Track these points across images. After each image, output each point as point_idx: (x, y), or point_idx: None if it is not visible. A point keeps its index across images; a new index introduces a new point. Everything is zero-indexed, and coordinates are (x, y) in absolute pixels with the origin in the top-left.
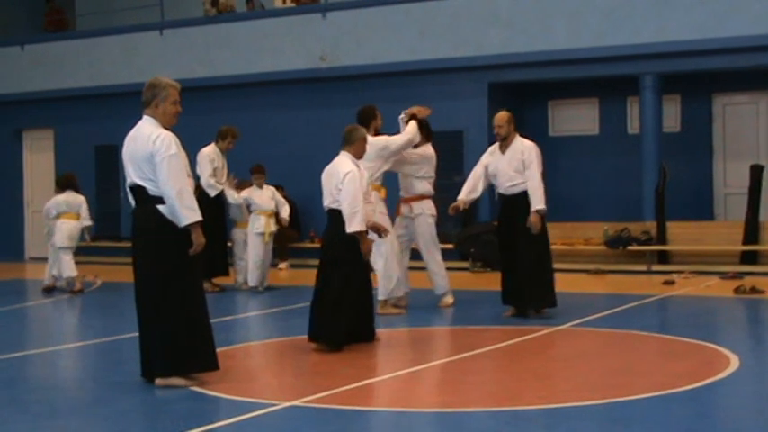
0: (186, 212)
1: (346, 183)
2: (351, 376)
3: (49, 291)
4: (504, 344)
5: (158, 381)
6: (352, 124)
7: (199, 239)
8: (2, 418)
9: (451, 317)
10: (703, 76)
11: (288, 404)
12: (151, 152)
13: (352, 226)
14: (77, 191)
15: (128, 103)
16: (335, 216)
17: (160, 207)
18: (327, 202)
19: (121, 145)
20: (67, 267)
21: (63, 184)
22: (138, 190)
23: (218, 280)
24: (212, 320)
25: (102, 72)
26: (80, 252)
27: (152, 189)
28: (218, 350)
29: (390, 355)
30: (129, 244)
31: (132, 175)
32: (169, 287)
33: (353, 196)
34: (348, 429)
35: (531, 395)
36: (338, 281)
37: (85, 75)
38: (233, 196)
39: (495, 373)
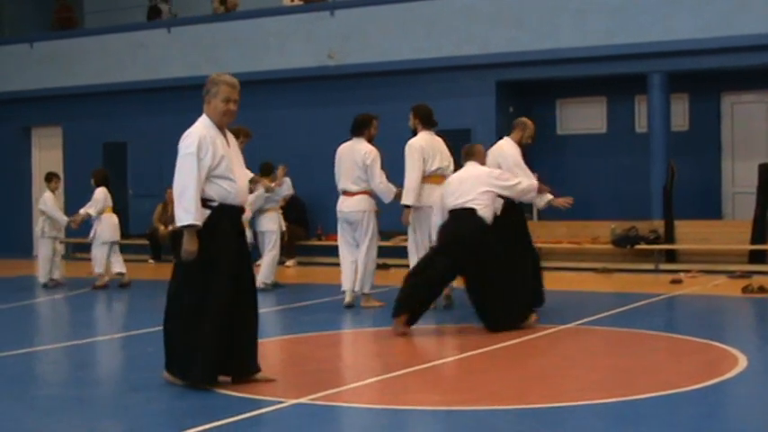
0: (180, 213)
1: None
2: (356, 374)
3: (105, 288)
4: (510, 342)
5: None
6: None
7: (187, 245)
8: (10, 413)
9: (457, 315)
10: (711, 75)
11: (294, 401)
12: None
13: None
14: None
15: (136, 100)
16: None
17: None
18: (460, 203)
19: (129, 142)
20: (119, 263)
21: (103, 180)
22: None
23: None
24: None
25: (110, 69)
26: (87, 248)
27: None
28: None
29: (395, 353)
30: (138, 241)
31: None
32: (184, 290)
33: None
34: (353, 427)
35: (537, 394)
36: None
37: (94, 72)
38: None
39: (500, 372)
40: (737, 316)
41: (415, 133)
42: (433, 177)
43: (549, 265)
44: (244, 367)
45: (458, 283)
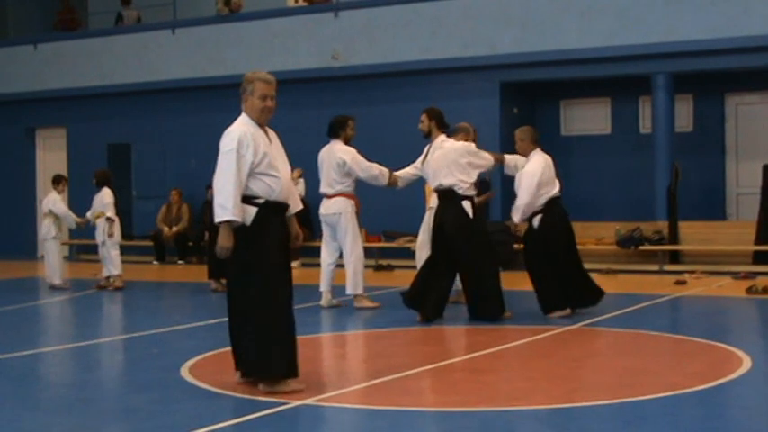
0: (217, 210)
1: None
2: (361, 375)
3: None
4: (516, 343)
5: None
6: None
7: (222, 241)
8: (14, 414)
9: (464, 316)
10: (716, 76)
11: (299, 403)
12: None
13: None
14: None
15: (140, 101)
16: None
17: (245, 206)
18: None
19: (134, 143)
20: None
21: (105, 180)
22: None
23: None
24: (222, 320)
25: (114, 71)
26: (91, 250)
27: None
28: (227, 350)
29: (401, 354)
30: (142, 242)
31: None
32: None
33: None
34: (358, 428)
35: (543, 395)
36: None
37: (98, 73)
38: None
39: (506, 373)
40: (742, 317)
41: (427, 135)
42: None
43: None
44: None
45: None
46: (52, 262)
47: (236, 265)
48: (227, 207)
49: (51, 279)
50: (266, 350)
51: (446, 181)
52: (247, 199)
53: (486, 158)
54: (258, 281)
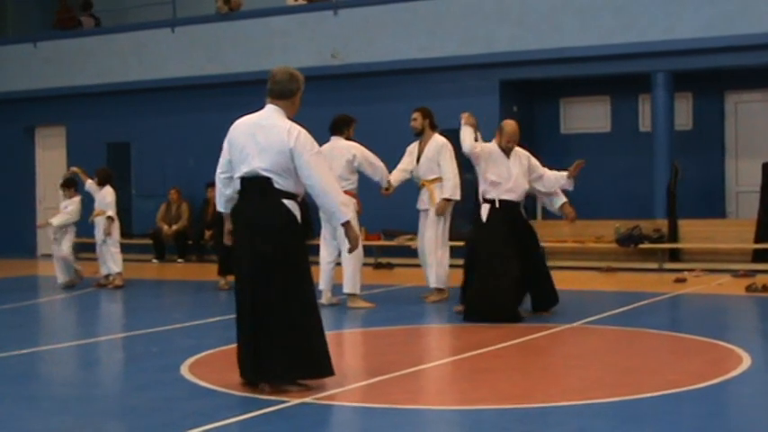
0: (343, 209)
1: None
2: (360, 374)
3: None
4: (515, 341)
5: (280, 386)
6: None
7: (355, 235)
8: (13, 413)
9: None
10: (715, 74)
11: (298, 401)
12: (291, 147)
13: None
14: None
15: (139, 100)
16: None
17: (288, 202)
18: None
19: (133, 141)
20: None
21: (107, 179)
22: (261, 182)
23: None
24: (222, 318)
25: (113, 69)
26: (91, 249)
27: (279, 182)
28: (227, 348)
29: (399, 352)
30: (141, 241)
31: (257, 165)
32: (302, 285)
33: None
34: (358, 427)
35: (542, 393)
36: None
37: (97, 72)
38: None
39: (504, 371)
40: (741, 315)
41: (419, 134)
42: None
43: (553, 264)
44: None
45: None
46: (67, 259)
47: (288, 265)
48: (348, 204)
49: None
50: (317, 349)
51: None
52: (292, 196)
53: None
54: (310, 280)
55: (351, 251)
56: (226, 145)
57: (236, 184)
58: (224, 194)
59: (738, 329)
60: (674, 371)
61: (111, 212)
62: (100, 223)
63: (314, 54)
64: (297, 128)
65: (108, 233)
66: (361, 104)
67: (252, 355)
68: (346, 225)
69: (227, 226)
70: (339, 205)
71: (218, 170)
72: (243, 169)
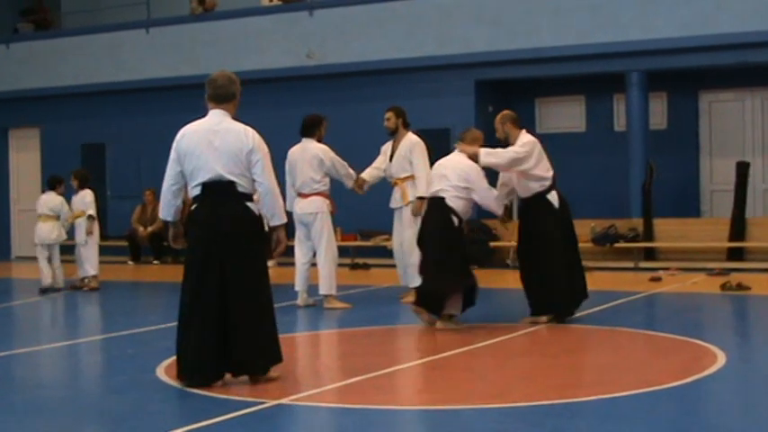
0: (282, 214)
1: None
2: (337, 374)
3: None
4: (492, 341)
5: (258, 377)
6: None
7: (285, 239)
8: None
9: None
10: (690, 74)
11: (275, 402)
12: (251, 148)
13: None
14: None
15: (114, 101)
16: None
17: (250, 204)
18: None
19: (108, 143)
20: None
21: (87, 180)
22: (224, 186)
23: None
24: None
25: (88, 70)
26: (66, 251)
27: (241, 185)
28: None
29: (375, 353)
30: (117, 242)
31: (220, 170)
32: (267, 283)
33: None
34: (335, 427)
35: (518, 392)
36: None
37: (72, 73)
38: None
39: (481, 371)
40: (716, 313)
41: (393, 133)
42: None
43: None
44: None
45: None
46: (58, 265)
47: (257, 264)
48: (283, 209)
49: (57, 282)
50: (276, 340)
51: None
52: (251, 198)
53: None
54: (267, 276)
55: (277, 255)
56: (174, 156)
57: (194, 192)
58: (174, 205)
59: (713, 328)
60: (650, 369)
61: (92, 211)
62: (81, 224)
63: (289, 54)
64: (249, 128)
65: (90, 232)
66: (336, 105)
67: (218, 354)
68: (281, 227)
69: (177, 231)
70: (281, 207)
71: (168, 182)
72: (204, 175)
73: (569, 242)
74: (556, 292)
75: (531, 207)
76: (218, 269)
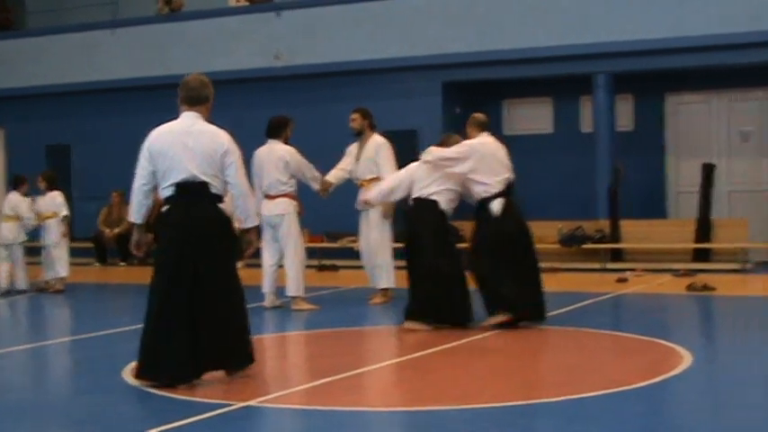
0: (254, 216)
1: None
2: (306, 376)
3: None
4: (460, 342)
5: (234, 373)
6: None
7: (256, 241)
8: None
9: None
10: (656, 76)
11: (242, 405)
12: (225, 149)
13: None
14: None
15: (80, 101)
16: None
17: (221, 206)
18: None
19: (74, 144)
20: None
21: (54, 182)
22: (197, 187)
23: None
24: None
25: (53, 71)
26: (33, 252)
27: (214, 186)
28: None
29: (343, 354)
30: (83, 244)
31: (194, 171)
32: (238, 283)
33: None
34: (303, 429)
35: (486, 394)
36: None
37: (37, 73)
38: None
39: (448, 372)
40: (682, 314)
41: (359, 134)
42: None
43: None
44: None
45: None
46: (22, 266)
47: (230, 264)
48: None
49: (20, 284)
50: (249, 340)
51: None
52: (222, 199)
53: None
54: (239, 277)
55: (247, 256)
56: (147, 155)
57: (166, 192)
58: (145, 205)
59: (679, 328)
60: (616, 370)
61: (67, 212)
62: (51, 226)
63: (257, 55)
64: (222, 131)
65: (65, 234)
66: (304, 106)
67: (191, 354)
68: (253, 229)
69: (141, 237)
70: (254, 209)
71: (140, 182)
72: (176, 176)
73: (508, 248)
74: (493, 294)
75: (476, 212)
76: (192, 270)
